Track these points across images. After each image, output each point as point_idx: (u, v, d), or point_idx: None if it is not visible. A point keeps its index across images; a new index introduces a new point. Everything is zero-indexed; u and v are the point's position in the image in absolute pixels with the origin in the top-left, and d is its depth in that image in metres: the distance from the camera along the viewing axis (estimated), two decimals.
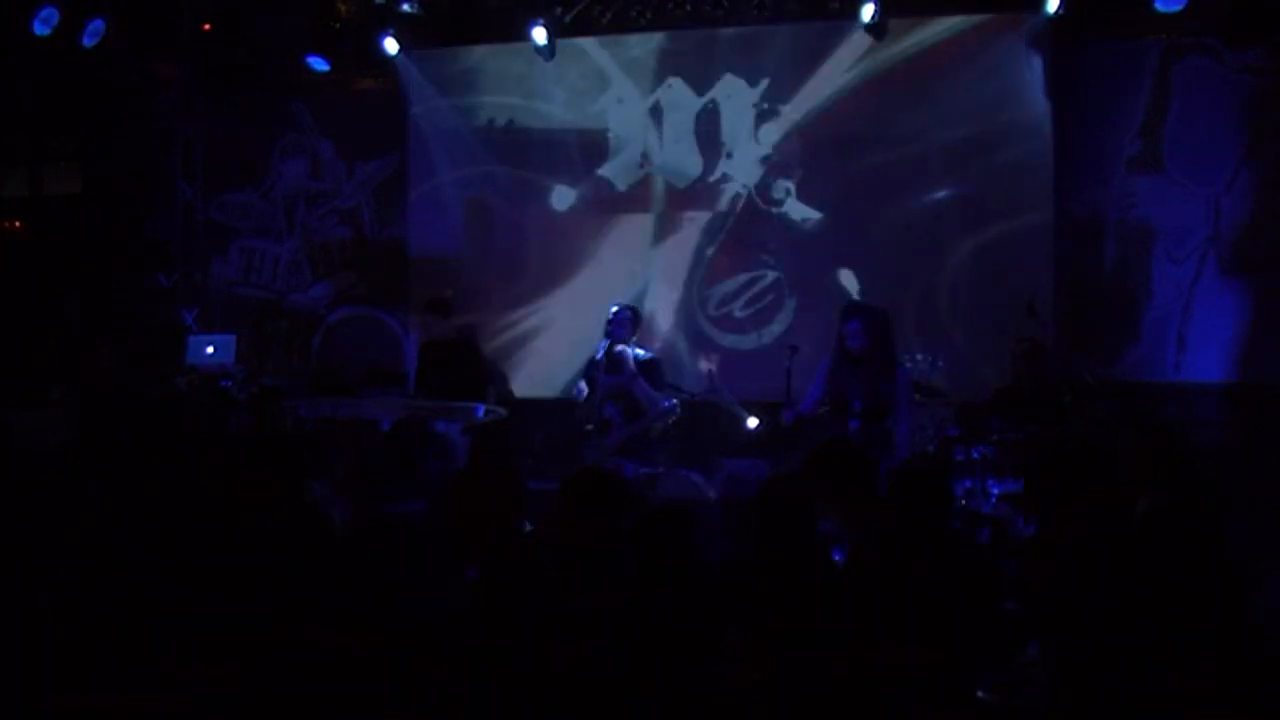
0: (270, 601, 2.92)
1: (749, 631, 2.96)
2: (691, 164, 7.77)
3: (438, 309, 6.96)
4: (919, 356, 6.72)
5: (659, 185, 7.83)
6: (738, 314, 7.69)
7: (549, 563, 3.23)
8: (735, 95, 7.66)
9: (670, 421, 6.24)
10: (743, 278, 7.71)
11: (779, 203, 7.63)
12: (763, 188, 7.64)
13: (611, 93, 7.88)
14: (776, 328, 7.60)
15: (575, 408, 6.51)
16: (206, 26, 8.13)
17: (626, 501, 3.44)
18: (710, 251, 7.75)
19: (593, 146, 7.91)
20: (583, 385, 6.43)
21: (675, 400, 6.28)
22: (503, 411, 6.53)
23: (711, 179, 7.74)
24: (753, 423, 6.59)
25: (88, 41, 7.64)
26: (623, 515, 3.39)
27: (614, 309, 6.48)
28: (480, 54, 8.10)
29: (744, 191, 7.68)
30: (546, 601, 3.04)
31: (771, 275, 7.65)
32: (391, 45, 7.86)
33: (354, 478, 6.23)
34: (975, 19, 7.27)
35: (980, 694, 3.07)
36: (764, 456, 6.24)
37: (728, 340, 7.69)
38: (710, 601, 3.20)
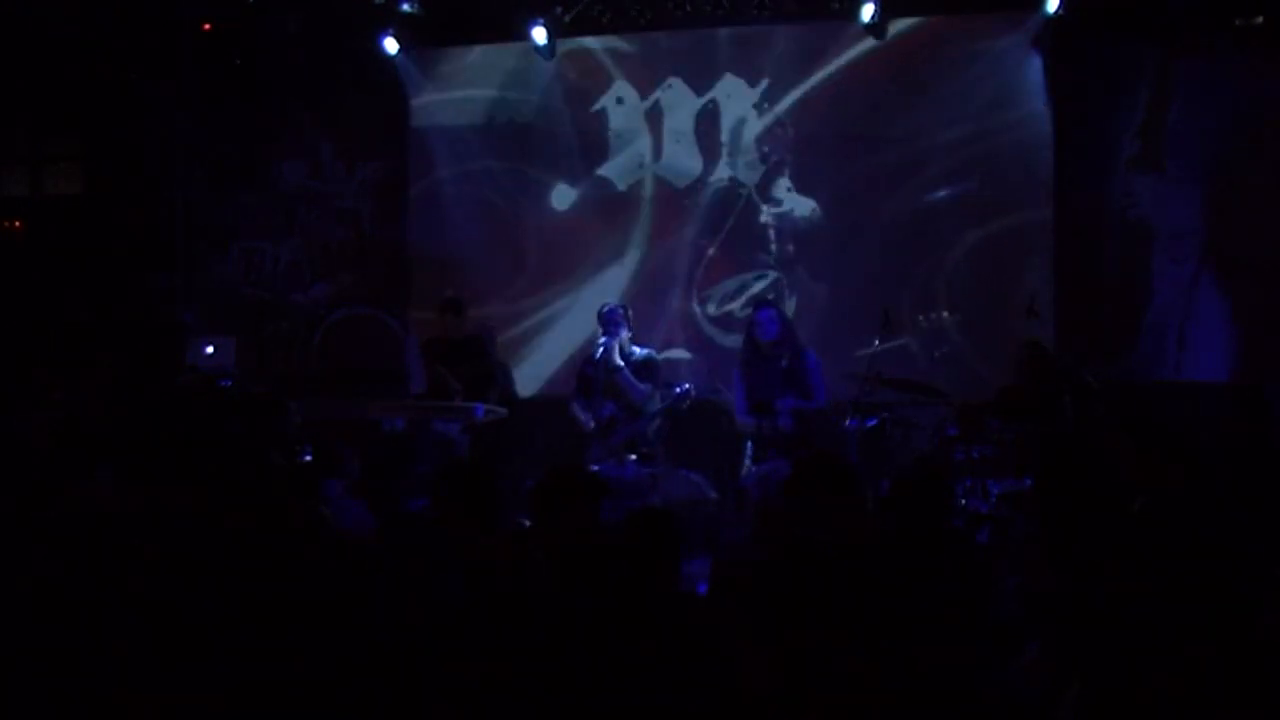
0: (273, 601, 2.92)
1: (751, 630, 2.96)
2: (691, 164, 7.77)
3: (455, 309, 6.97)
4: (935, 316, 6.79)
5: (658, 185, 7.84)
6: (738, 314, 7.68)
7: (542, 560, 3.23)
8: (735, 95, 7.67)
9: (685, 406, 6.23)
10: (743, 277, 7.71)
11: (778, 201, 7.64)
12: (763, 187, 7.65)
13: (611, 93, 7.89)
14: None
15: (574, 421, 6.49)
16: (206, 26, 8.13)
17: (599, 496, 3.45)
18: (711, 252, 7.75)
19: (593, 146, 7.92)
20: (581, 413, 6.42)
21: (689, 384, 6.29)
22: (503, 411, 6.53)
23: (711, 179, 7.74)
24: None
25: (89, 41, 7.64)
26: (597, 510, 3.41)
27: (605, 308, 6.49)
28: (480, 53, 8.09)
29: (744, 192, 7.69)
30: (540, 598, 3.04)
31: (771, 275, 7.66)
32: (391, 45, 7.86)
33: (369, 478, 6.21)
34: (975, 19, 7.28)
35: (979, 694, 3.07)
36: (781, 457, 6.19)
37: (728, 340, 7.68)
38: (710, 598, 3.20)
